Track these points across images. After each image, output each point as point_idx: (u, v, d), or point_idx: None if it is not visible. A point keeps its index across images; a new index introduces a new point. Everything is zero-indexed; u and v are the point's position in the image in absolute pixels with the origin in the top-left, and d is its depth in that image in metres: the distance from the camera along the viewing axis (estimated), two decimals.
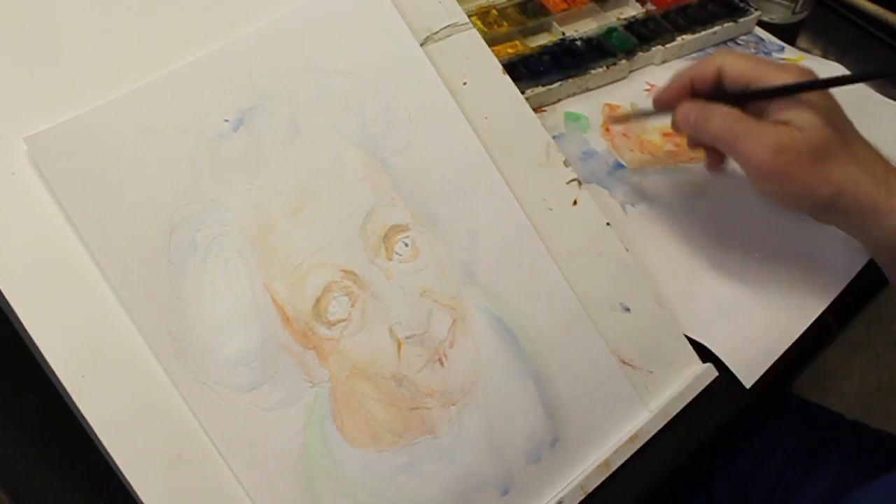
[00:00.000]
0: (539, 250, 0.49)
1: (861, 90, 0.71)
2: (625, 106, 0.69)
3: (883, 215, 0.46)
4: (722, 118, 0.48)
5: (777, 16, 0.78)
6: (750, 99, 0.49)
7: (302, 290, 0.43)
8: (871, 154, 0.48)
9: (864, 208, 0.46)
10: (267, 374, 0.41)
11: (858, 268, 0.59)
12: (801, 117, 0.46)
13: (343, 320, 0.43)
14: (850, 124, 0.49)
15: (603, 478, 0.47)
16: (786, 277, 0.58)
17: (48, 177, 0.39)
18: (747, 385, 0.53)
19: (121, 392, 0.39)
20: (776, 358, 0.54)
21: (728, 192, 0.63)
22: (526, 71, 0.67)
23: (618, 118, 0.60)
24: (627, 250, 0.52)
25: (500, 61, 0.53)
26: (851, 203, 0.46)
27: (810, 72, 0.48)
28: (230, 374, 0.41)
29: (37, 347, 0.38)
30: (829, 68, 0.73)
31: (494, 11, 0.71)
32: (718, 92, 0.51)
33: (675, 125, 0.52)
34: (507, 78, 0.52)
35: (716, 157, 0.55)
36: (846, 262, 0.59)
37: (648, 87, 0.71)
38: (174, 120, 0.42)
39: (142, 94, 0.42)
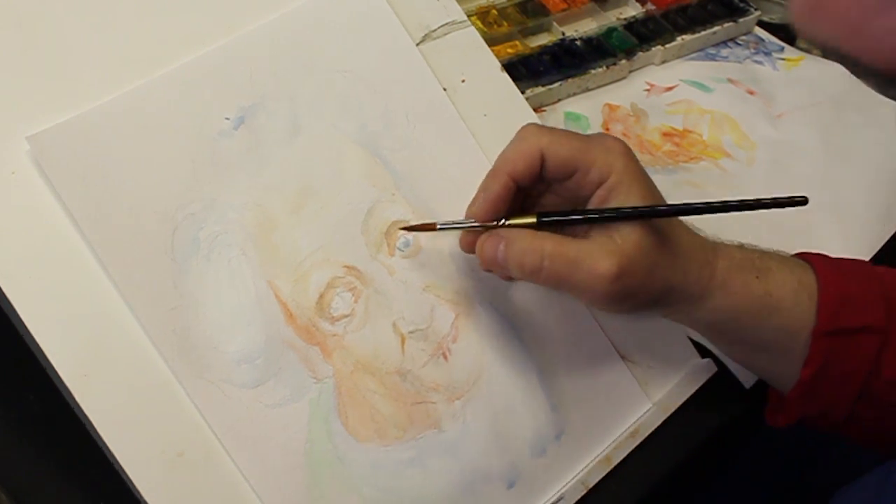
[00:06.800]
0: None
1: (861, 90, 0.71)
2: (625, 106, 0.69)
3: (707, 298, 0.43)
4: (539, 255, 0.40)
5: (777, 16, 0.78)
6: (580, 223, 0.43)
7: (305, 287, 0.43)
8: (692, 237, 0.44)
9: (692, 297, 0.43)
10: (271, 370, 0.41)
11: None
12: (625, 226, 0.41)
13: (346, 316, 0.43)
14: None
15: (604, 473, 0.47)
16: None
17: (50, 176, 0.39)
18: (747, 386, 0.53)
19: (124, 391, 0.39)
20: None
21: (728, 191, 0.63)
22: (526, 71, 0.67)
23: (416, 228, 0.45)
24: None
25: (500, 61, 0.53)
26: (680, 295, 0.43)
27: (623, 143, 0.43)
28: (234, 372, 0.40)
29: (39, 347, 0.38)
30: (828, 68, 0.73)
31: (494, 11, 0.71)
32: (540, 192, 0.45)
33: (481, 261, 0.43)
34: (506, 75, 0.52)
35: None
36: None
37: (648, 87, 0.71)
38: (175, 118, 0.42)
39: (143, 92, 0.42)
